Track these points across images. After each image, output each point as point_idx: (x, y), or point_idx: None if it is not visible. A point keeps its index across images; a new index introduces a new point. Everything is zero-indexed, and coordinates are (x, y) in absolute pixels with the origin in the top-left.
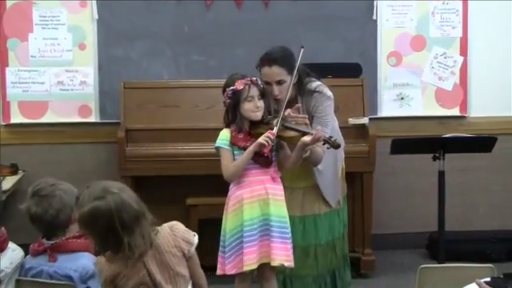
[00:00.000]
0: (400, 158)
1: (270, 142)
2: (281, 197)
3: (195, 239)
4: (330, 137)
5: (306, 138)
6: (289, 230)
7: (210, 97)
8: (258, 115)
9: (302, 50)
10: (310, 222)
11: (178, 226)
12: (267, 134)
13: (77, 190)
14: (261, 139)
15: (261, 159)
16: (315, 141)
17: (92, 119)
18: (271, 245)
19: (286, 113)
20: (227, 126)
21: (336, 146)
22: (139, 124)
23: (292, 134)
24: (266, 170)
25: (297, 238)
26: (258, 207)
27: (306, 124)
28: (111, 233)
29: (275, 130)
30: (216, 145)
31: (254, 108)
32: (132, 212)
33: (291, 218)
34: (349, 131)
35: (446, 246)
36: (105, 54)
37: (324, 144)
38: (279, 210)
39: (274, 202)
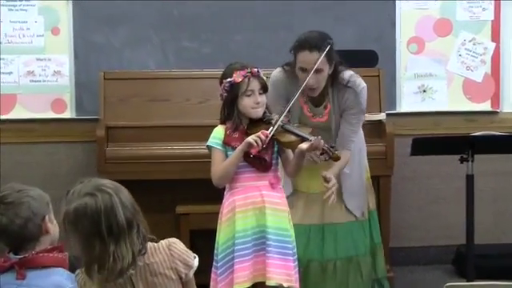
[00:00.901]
0: (422, 160)
1: (259, 142)
2: (281, 206)
3: (195, 262)
4: (331, 146)
5: (303, 145)
6: (292, 246)
7: (204, 89)
8: (257, 112)
9: (329, 45)
10: (329, 231)
11: (176, 244)
12: (259, 133)
13: (48, 196)
14: (250, 138)
15: (257, 162)
16: (312, 149)
17: (67, 115)
18: (267, 261)
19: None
20: (223, 122)
21: (335, 158)
22: (121, 121)
23: (291, 138)
24: (264, 174)
25: (313, 251)
26: (253, 216)
27: (307, 129)
28: (97, 237)
29: (271, 130)
30: (207, 143)
31: (253, 104)
32: (122, 218)
33: (307, 228)
34: (363, 128)
35: (476, 262)
36: (82, 41)
37: (322, 154)
38: (278, 220)
39: (272, 212)
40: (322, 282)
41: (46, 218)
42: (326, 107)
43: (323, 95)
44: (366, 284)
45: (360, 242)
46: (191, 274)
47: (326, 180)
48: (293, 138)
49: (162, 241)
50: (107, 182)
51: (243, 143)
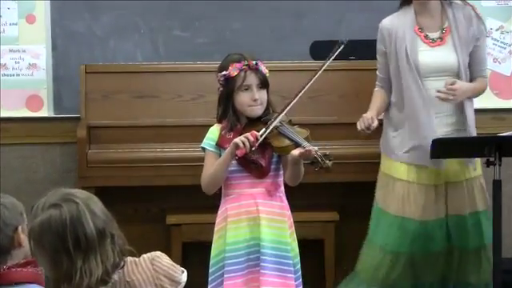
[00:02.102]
0: None
1: (247, 143)
2: (280, 216)
3: (183, 277)
4: (325, 154)
5: (295, 152)
6: (292, 261)
7: (198, 84)
8: (255, 110)
9: (342, 46)
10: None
11: (160, 258)
12: (248, 133)
13: (22, 205)
14: (237, 138)
15: (253, 167)
16: (304, 156)
17: (44, 113)
18: (261, 278)
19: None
20: (219, 121)
21: (327, 169)
22: (105, 120)
23: (284, 142)
24: (260, 180)
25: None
26: (247, 228)
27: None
28: (63, 253)
29: (263, 131)
30: (202, 144)
31: (250, 101)
32: (91, 228)
33: (443, 220)
34: (377, 128)
35: (504, 278)
36: (60, 30)
37: (312, 163)
38: (275, 232)
39: (268, 223)
40: (464, 267)
41: (19, 229)
42: (444, 30)
43: (439, 20)
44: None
45: (485, 232)
46: None
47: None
48: (286, 142)
49: (143, 255)
50: (76, 191)
51: (231, 145)
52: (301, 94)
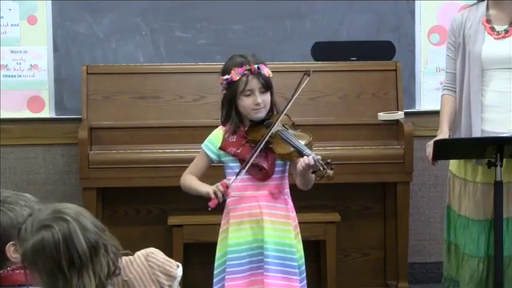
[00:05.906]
0: (445, 165)
1: (218, 194)
2: (284, 219)
3: (179, 271)
4: (326, 162)
5: (299, 166)
6: (297, 263)
7: (199, 85)
8: (258, 113)
9: (308, 78)
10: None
11: (155, 254)
12: (219, 184)
13: (36, 206)
14: (211, 189)
15: (256, 170)
16: (307, 167)
17: (45, 114)
18: (265, 281)
19: None
20: (223, 123)
21: (328, 177)
22: (106, 121)
23: (287, 149)
24: (264, 183)
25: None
26: (249, 230)
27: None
28: (59, 273)
29: (234, 177)
30: (201, 145)
31: (252, 105)
32: (83, 245)
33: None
34: (378, 129)
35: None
36: (62, 31)
37: (313, 172)
38: (279, 234)
39: (272, 225)
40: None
41: None
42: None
43: (510, 13)
44: None
45: None
46: (176, 284)
47: None
48: (288, 149)
49: (138, 252)
50: (63, 207)
51: (203, 192)
52: (300, 89)
